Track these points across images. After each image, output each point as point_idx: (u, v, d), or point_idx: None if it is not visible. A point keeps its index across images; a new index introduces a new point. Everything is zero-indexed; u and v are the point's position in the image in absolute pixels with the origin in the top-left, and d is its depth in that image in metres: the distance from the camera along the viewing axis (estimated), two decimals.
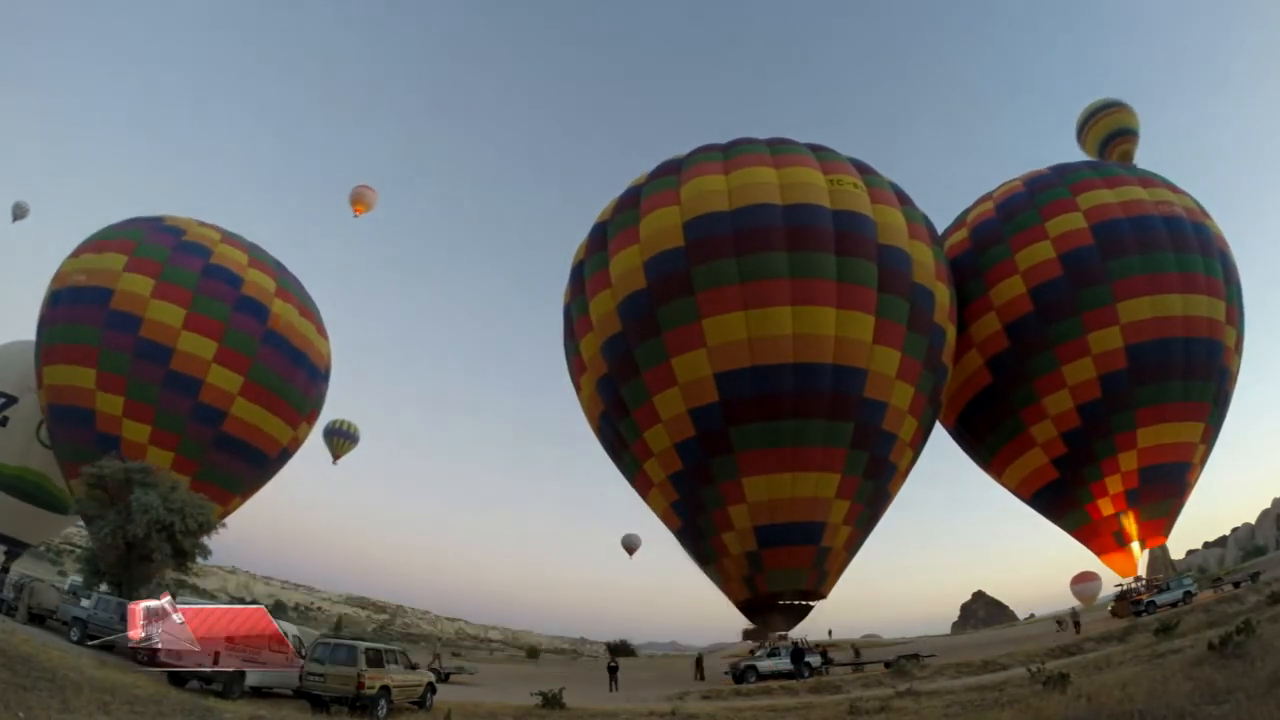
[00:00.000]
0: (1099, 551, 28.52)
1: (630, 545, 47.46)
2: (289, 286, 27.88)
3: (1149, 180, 27.56)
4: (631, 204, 24.46)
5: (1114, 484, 26.06)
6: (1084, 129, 37.24)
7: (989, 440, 28.63)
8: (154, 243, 25.45)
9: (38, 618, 18.85)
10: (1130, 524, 26.35)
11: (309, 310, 28.52)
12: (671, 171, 24.46)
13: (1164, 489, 26.21)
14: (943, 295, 24.32)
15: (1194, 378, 25.44)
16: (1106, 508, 26.45)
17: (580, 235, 26.71)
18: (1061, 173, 28.21)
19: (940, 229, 28.12)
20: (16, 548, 30.01)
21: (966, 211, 30.32)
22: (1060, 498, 27.80)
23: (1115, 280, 25.05)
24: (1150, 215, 25.81)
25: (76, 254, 26.03)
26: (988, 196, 29.77)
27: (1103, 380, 25.17)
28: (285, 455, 28.29)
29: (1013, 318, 26.33)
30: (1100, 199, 26.20)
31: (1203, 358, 25.51)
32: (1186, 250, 25.60)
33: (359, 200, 39.95)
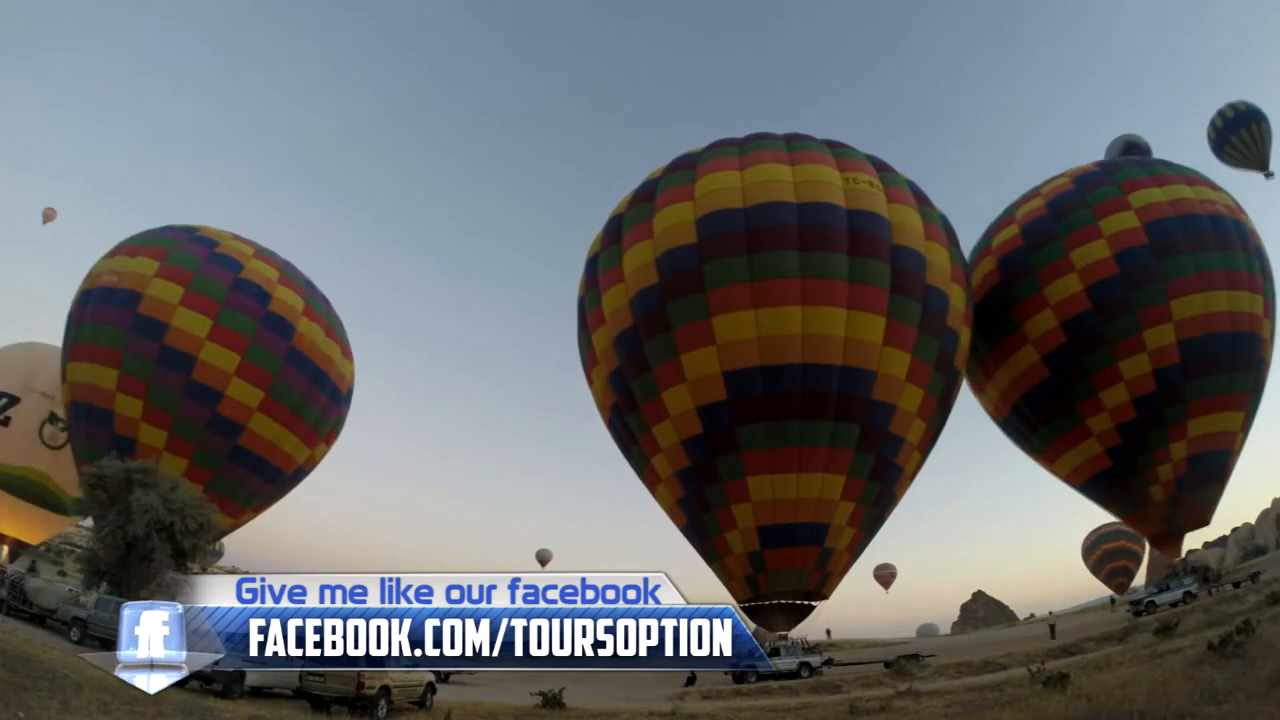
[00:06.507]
0: (1149, 536, 30.26)
1: (542, 558, 51.95)
2: (317, 307, 27.87)
3: (1193, 179, 28.37)
4: (646, 198, 24.42)
5: (1165, 472, 27.19)
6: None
7: (1043, 431, 29.59)
8: (187, 252, 25.63)
9: (38, 618, 18.92)
10: (1178, 510, 27.66)
11: (335, 331, 28.46)
12: (687, 166, 24.38)
13: (1209, 475, 27.47)
14: (958, 298, 24.17)
15: (1237, 370, 26.60)
16: (1158, 494, 27.62)
17: (584, 232, 26.63)
18: (1109, 170, 28.91)
19: (963, 231, 28.05)
20: (17, 547, 30.15)
21: (1014, 207, 30.53)
22: (1113, 485, 29.01)
23: (1168, 279, 25.97)
24: (1197, 214, 26.75)
25: (110, 256, 26.25)
26: (1035, 193, 30.16)
27: (1157, 375, 26.08)
28: (300, 474, 28.28)
29: (1070, 315, 27.01)
30: (1151, 198, 27.04)
31: (1245, 351, 26.69)
32: (1230, 248, 26.65)
33: (47, 216, 44.26)
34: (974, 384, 30.96)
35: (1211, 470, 27.39)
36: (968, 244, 28.34)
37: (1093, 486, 29.76)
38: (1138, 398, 26.42)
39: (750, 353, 21.65)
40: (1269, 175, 37.12)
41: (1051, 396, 28.17)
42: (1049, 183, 30.00)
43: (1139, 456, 27.30)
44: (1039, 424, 29.37)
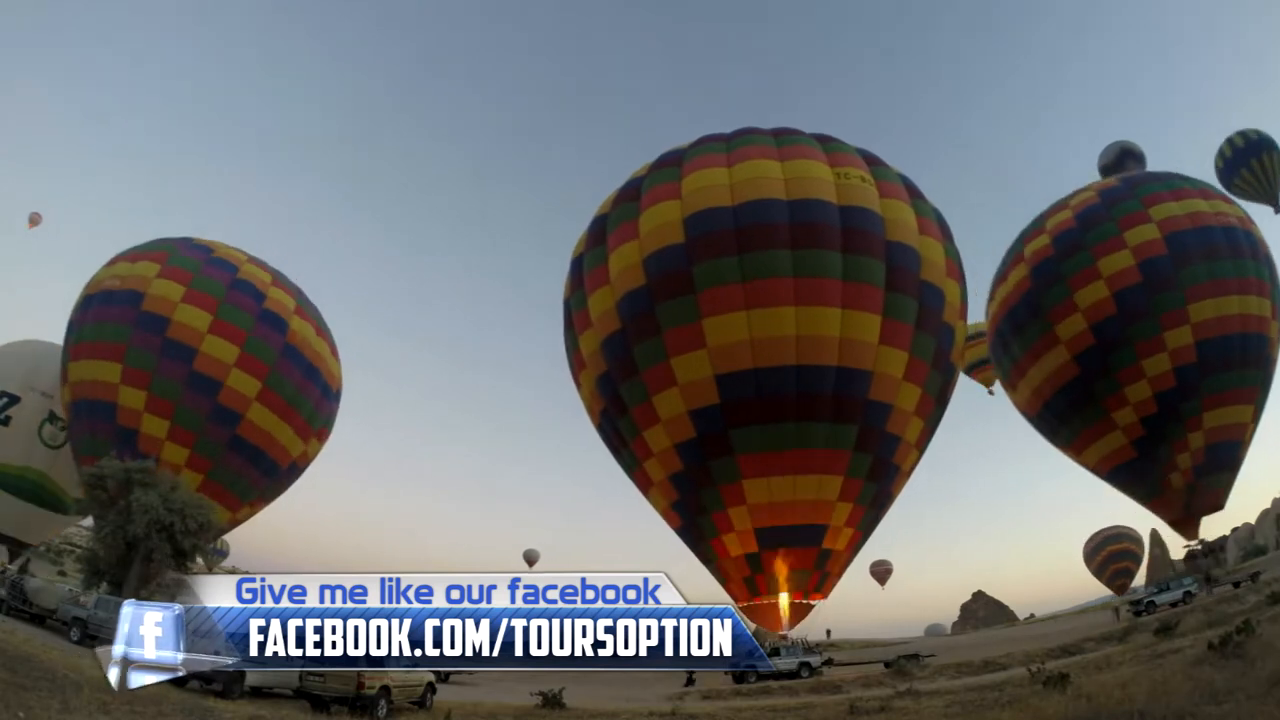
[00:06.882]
0: (1169, 520, 32.44)
1: (530, 559, 53.76)
2: (307, 308, 29.21)
3: (1208, 192, 30.93)
4: (632, 197, 23.97)
5: (1184, 460, 29.40)
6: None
7: (1073, 424, 31.78)
8: (186, 256, 27.00)
9: (38, 618, 18.91)
10: (1196, 495, 29.86)
11: (324, 331, 29.78)
12: (673, 163, 23.99)
13: (1223, 463, 29.62)
14: (953, 293, 23.99)
15: (1248, 367, 28.89)
16: (1178, 481, 29.81)
17: (580, 227, 26.41)
18: (1131, 185, 31.62)
19: (957, 227, 28.27)
20: (17, 548, 30.19)
21: (1044, 217, 32.66)
22: (1136, 473, 31.15)
23: (1186, 286, 28.27)
24: (1212, 226, 29.14)
25: (111, 264, 27.19)
26: (1064, 204, 32.28)
27: (1176, 372, 28.34)
28: (295, 469, 28.84)
29: (1098, 318, 29.25)
30: (1169, 211, 29.44)
31: (1254, 350, 28.96)
32: (1241, 257, 29.04)
33: (33, 221, 46.19)
34: (1007, 382, 33.50)
35: (1225, 459, 29.69)
36: (962, 241, 28.60)
37: (1118, 475, 32.10)
38: (1159, 393, 28.78)
39: (743, 355, 21.31)
40: (1279, 210, 38.91)
41: (1081, 392, 30.53)
42: (1076, 195, 32.41)
43: (1160, 447, 29.61)
44: (1070, 418, 31.75)
